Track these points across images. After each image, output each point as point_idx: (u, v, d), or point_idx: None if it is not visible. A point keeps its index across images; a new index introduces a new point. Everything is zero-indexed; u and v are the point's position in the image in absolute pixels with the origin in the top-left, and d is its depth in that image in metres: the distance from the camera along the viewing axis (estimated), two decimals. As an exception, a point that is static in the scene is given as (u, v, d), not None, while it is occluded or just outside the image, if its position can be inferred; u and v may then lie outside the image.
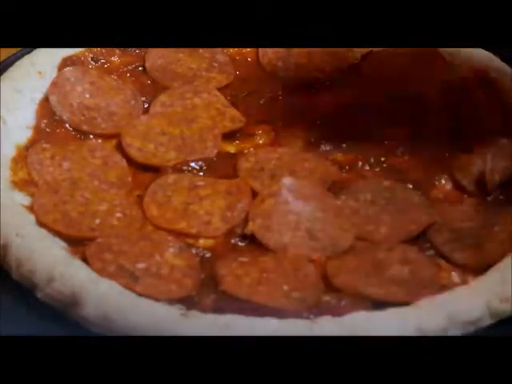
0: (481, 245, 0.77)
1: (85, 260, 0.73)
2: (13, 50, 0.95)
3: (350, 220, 0.80)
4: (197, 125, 0.89)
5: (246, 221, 0.79)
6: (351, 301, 0.71)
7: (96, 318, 0.69)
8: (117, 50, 0.97)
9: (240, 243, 0.78)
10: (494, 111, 0.92)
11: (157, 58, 0.97)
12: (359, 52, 1.00)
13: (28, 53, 0.94)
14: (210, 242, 0.78)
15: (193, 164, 0.85)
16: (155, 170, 0.85)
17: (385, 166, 0.87)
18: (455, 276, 0.75)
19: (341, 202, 0.82)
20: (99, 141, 0.88)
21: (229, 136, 0.89)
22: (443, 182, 0.86)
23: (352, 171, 0.86)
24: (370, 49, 0.99)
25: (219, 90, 0.94)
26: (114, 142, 0.88)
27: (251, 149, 0.88)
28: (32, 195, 0.80)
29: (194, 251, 0.76)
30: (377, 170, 0.86)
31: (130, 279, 0.72)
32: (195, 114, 0.91)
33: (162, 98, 0.92)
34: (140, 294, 0.70)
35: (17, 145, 0.85)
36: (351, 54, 1.00)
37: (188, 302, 0.71)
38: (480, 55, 0.97)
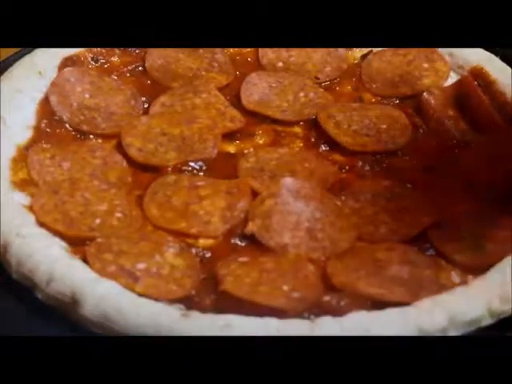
0: (481, 245, 0.77)
1: (85, 260, 0.74)
2: (13, 50, 0.95)
3: (350, 220, 0.80)
4: (197, 125, 0.89)
5: (245, 221, 0.79)
6: (351, 301, 0.71)
7: (96, 317, 0.69)
8: (117, 50, 0.97)
9: (240, 243, 0.78)
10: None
11: (157, 58, 0.97)
12: (359, 52, 1.00)
13: (28, 53, 0.94)
14: (209, 242, 0.78)
15: (193, 164, 0.85)
16: (155, 170, 0.85)
17: (385, 165, 0.87)
18: (455, 276, 0.75)
19: (341, 202, 0.82)
20: (99, 141, 0.88)
21: (229, 136, 0.89)
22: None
23: (352, 171, 0.86)
24: (370, 49, 1.00)
25: (219, 89, 0.94)
26: (113, 142, 0.88)
27: (251, 149, 0.88)
28: (32, 195, 0.80)
29: (193, 251, 0.77)
30: (377, 170, 0.86)
31: (130, 279, 0.72)
32: (195, 114, 0.91)
33: (162, 98, 0.92)
34: (140, 294, 0.71)
35: (17, 145, 0.85)
36: (351, 53, 1.00)
37: (188, 302, 0.71)
38: (480, 55, 0.97)
